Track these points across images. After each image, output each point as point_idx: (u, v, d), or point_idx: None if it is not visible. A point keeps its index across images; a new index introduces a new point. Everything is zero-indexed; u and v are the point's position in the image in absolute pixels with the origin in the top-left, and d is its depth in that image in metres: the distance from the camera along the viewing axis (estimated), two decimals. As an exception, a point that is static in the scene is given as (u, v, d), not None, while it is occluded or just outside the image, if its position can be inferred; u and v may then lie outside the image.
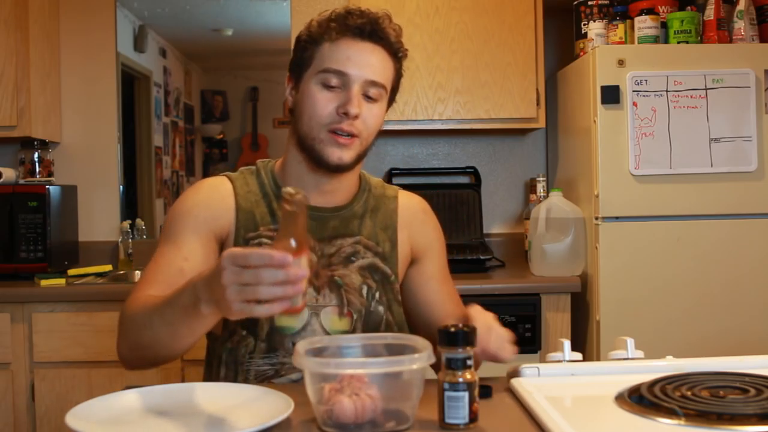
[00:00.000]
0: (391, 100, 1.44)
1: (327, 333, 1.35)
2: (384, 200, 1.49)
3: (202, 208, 1.37)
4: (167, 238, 1.36)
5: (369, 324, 1.38)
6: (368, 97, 1.34)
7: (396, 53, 1.39)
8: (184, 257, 1.31)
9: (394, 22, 1.39)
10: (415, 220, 1.50)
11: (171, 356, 1.20)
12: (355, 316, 1.37)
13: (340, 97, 1.32)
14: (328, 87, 1.33)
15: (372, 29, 1.34)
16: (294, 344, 1.33)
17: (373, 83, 1.34)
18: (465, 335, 1.01)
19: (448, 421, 1.00)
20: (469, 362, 1.01)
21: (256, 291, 0.97)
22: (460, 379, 1.00)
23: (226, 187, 1.41)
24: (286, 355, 1.34)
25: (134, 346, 1.22)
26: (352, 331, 1.36)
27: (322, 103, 1.33)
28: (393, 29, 1.38)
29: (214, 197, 1.39)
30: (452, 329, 1.01)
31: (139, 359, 1.24)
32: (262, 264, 0.97)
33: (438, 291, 1.50)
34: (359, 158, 1.39)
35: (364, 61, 1.33)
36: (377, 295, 1.40)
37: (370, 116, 1.35)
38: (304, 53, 1.38)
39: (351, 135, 1.33)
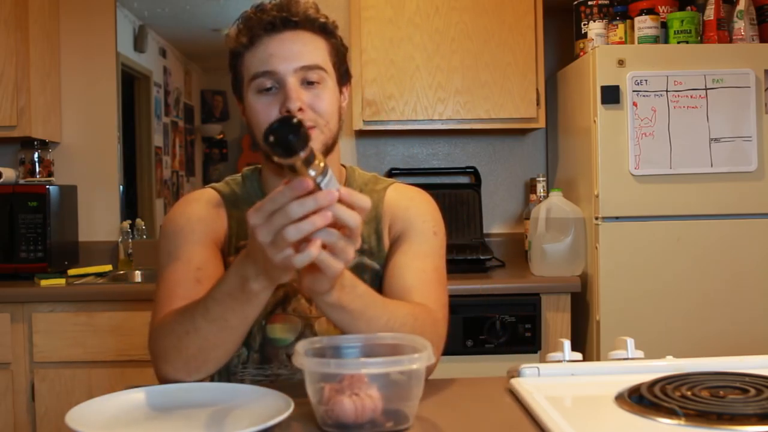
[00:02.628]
0: (343, 78, 1.36)
1: None
2: (372, 196, 1.41)
3: (195, 220, 1.34)
4: (171, 256, 1.31)
5: None
6: (309, 83, 1.27)
7: (321, 29, 1.31)
8: (197, 267, 1.28)
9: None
10: (399, 206, 1.41)
11: (225, 355, 1.16)
12: None
13: (280, 97, 1.27)
14: (264, 92, 1.28)
15: (283, 18, 1.27)
16: (288, 356, 1.31)
17: (306, 68, 1.27)
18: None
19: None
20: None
21: (287, 233, 0.91)
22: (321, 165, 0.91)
23: (215, 197, 1.38)
24: (280, 367, 1.32)
25: (179, 365, 1.16)
26: None
27: (264, 111, 1.27)
28: (307, 7, 1.30)
29: (206, 208, 1.36)
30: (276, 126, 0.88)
31: (190, 373, 1.17)
32: (286, 200, 0.91)
33: (403, 264, 1.32)
34: (327, 148, 1.30)
35: (287, 52, 1.27)
36: None
37: (318, 101, 1.27)
38: (235, 70, 1.33)
39: None
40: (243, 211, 1.35)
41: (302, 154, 0.89)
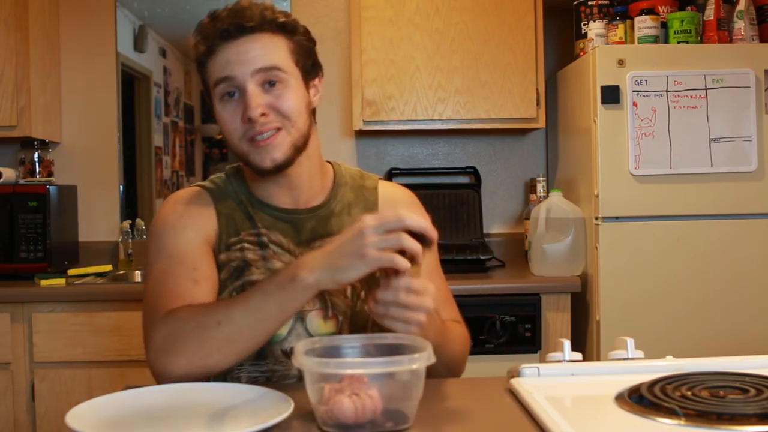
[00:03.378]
0: (310, 72, 1.36)
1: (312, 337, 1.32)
2: (362, 192, 1.44)
3: (186, 217, 1.34)
4: (162, 254, 1.31)
5: (355, 324, 1.35)
6: (269, 84, 1.28)
7: (279, 27, 1.31)
8: (193, 268, 1.28)
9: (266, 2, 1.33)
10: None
11: (247, 350, 1.18)
12: (340, 318, 1.34)
13: (242, 105, 1.27)
14: (227, 98, 1.29)
15: (237, 25, 1.27)
16: (283, 351, 1.32)
17: (264, 69, 1.27)
18: None
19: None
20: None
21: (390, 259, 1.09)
22: None
23: (203, 195, 1.38)
24: (275, 363, 1.32)
25: (196, 356, 1.16)
26: (339, 333, 1.33)
27: (228, 117, 1.29)
28: (261, 8, 1.30)
29: (195, 206, 1.36)
30: None
31: (200, 368, 1.17)
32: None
33: None
34: (297, 148, 1.31)
35: (243, 57, 1.27)
36: (362, 294, 1.36)
37: (280, 102, 1.28)
38: (202, 78, 1.35)
39: (271, 133, 1.28)
40: (230, 209, 1.37)
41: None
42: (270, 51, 1.29)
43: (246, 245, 1.34)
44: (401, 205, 1.46)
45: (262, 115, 1.27)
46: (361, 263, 1.09)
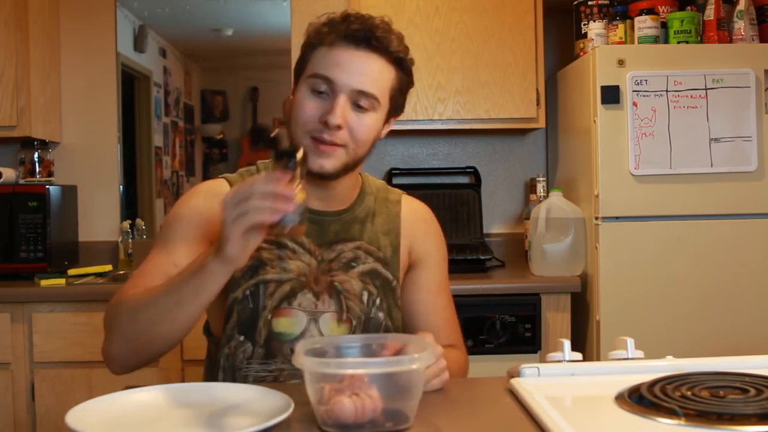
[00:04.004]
0: (396, 110, 1.39)
1: None
2: (386, 204, 1.48)
3: (195, 213, 1.35)
4: (160, 243, 1.35)
5: (368, 330, 1.37)
6: (358, 106, 1.30)
7: (397, 61, 1.33)
8: (174, 263, 1.30)
9: (396, 29, 1.35)
10: (418, 229, 1.48)
11: (169, 338, 1.19)
12: (354, 322, 1.36)
13: (326, 105, 1.29)
14: (316, 92, 1.30)
15: (366, 36, 1.29)
16: (293, 351, 1.33)
17: (363, 93, 1.29)
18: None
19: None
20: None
21: (247, 214, 1.03)
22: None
23: (224, 190, 1.39)
24: (284, 362, 1.33)
25: (128, 336, 1.20)
26: None
27: (307, 110, 1.30)
28: (393, 36, 1.33)
29: (211, 202, 1.36)
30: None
31: (133, 351, 1.21)
32: (254, 188, 1.03)
33: (427, 302, 1.47)
34: (346, 168, 1.34)
35: (354, 69, 1.29)
36: (378, 301, 1.39)
37: (358, 127, 1.30)
38: (302, 57, 1.36)
39: (334, 144, 1.30)
40: None
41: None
42: (378, 77, 1.31)
43: (263, 244, 1.35)
44: (421, 220, 1.51)
45: (339, 127, 1.28)
46: (232, 235, 1.06)
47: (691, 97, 2.43)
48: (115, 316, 1.23)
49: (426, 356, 1.00)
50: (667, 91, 2.43)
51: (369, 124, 1.32)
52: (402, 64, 1.34)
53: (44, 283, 2.51)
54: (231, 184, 1.40)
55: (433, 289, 1.48)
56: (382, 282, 1.41)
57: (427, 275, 1.48)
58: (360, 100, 1.30)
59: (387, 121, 1.39)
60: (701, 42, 2.55)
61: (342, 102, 1.28)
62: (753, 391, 1.02)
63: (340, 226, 1.41)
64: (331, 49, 1.30)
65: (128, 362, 1.23)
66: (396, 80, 1.35)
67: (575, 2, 2.80)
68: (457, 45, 2.78)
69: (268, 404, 1.06)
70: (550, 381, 1.17)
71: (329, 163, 1.31)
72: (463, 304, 2.48)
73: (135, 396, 1.12)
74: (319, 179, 1.33)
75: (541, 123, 2.83)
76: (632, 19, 2.60)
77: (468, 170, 3.11)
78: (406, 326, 1.47)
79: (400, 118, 2.93)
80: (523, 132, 3.12)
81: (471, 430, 1.02)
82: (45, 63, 2.92)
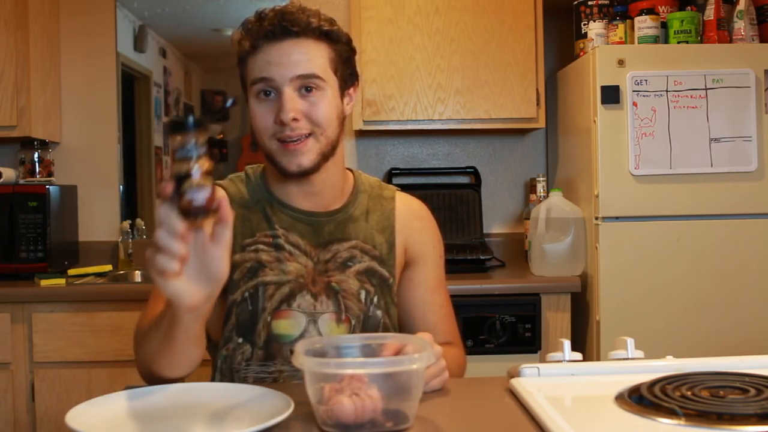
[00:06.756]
0: (347, 81, 1.38)
1: None
2: (381, 201, 1.47)
3: None
4: None
5: (367, 329, 1.37)
6: (307, 91, 1.30)
7: (324, 35, 1.33)
8: None
9: (311, 7, 1.35)
10: (413, 226, 1.48)
11: (177, 366, 1.17)
12: (353, 322, 1.36)
13: (277, 105, 1.30)
14: (263, 97, 1.31)
15: (282, 25, 1.29)
16: (292, 351, 1.33)
17: (303, 77, 1.29)
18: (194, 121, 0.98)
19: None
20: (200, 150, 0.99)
21: (152, 271, 0.98)
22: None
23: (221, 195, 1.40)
24: (284, 363, 1.33)
25: (142, 362, 1.21)
26: None
27: (262, 116, 1.31)
28: (308, 14, 1.32)
29: None
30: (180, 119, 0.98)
31: (153, 375, 1.21)
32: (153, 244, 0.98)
33: (424, 300, 1.47)
34: (324, 156, 1.34)
35: (285, 60, 1.29)
36: (375, 299, 1.38)
37: (314, 110, 1.30)
38: (240, 73, 1.37)
39: (300, 138, 1.30)
40: (247, 209, 1.37)
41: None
42: (312, 58, 1.31)
43: (261, 246, 1.35)
44: (416, 217, 1.49)
45: (294, 119, 1.28)
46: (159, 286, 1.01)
47: (691, 97, 2.43)
48: (134, 341, 1.25)
49: (426, 356, 1.00)
50: (667, 91, 2.43)
51: (323, 104, 1.32)
52: (330, 36, 1.34)
53: (44, 283, 2.51)
54: (225, 190, 1.40)
55: (430, 287, 1.47)
56: (379, 280, 1.40)
57: (424, 272, 1.47)
58: (305, 85, 1.30)
59: (344, 94, 1.38)
60: (701, 42, 2.55)
61: (288, 95, 1.29)
62: (753, 391, 1.02)
63: (335, 226, 1.40)
64: (258, 52, 1.31)
65: (152, 382, 1.22)
66: (332, 52, 1.34)
67: (575, 2, 2.80)
68: (457, 45, 2.78)
69: (268, 404, 1.06)
70: (550, 381, 1.17)
71: (305, 158, 1.31)
72: (463, 304, 2.50)
73: (135, 396, 1.12)
74: (302, 178, 1.34)
75: (541, 123, 2.83)
76: (632, 19, 2.60)
77: (468, 170, 3.11)
78: (403, 324, 1.47)
79: (400, 118, 2.95)
80: (523, 132, 3.12)
81: (471, 430, 1.02)
82: (45, 63, 2.92)
